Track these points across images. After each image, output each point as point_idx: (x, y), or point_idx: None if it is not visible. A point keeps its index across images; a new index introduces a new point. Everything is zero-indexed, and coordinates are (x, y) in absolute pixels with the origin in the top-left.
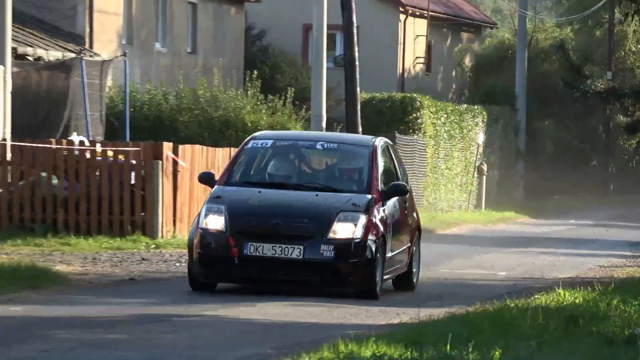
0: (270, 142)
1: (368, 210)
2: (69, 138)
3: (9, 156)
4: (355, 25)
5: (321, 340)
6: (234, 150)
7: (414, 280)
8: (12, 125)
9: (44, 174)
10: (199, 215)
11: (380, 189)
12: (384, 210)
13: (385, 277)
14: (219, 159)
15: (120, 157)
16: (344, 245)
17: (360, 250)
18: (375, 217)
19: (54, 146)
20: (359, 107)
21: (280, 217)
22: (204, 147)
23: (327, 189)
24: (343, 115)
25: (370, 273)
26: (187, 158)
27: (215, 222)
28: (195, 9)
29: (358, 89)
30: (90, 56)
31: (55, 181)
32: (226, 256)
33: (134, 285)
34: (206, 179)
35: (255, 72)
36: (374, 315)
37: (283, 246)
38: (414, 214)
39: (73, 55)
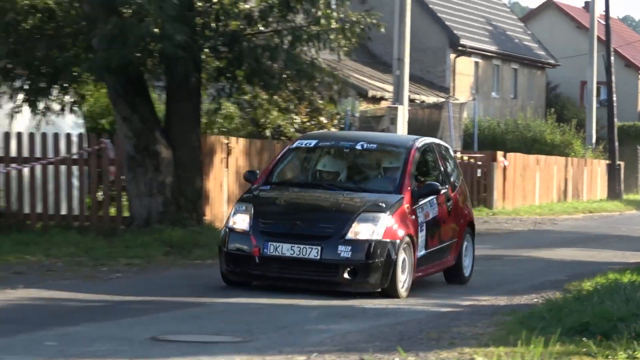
0: (314, 142)
1: (392, 210)
2: None
3: None
4: (613, 82)
5: (595, 271)
6: (539, 156)
7: (465, 273)
8: None
9: None
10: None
11: (411, 189)
12: (414, 210)
13: (419, 274)
14: (529, 161)
15: (472, 160)
16: (362, 246)
17: (380, 250)
18: (401, 217)
19: None
20: (615, 130)
21: (301, 218)
22: (520, 154)
23: (359, 189)
24: (606, 136)
25: (390, 273)
26: (511, 160)
27: (241, 222)
28: (516, 72)
29: (615, 120)
30: (453, 100)
31: None
32: (248, 255)
33: (480, 237)
34: (249, 178)
35: (552, 109)
36: (627, 257)
37: (301, 246)
38: (464, 211)
39: (443, 100)
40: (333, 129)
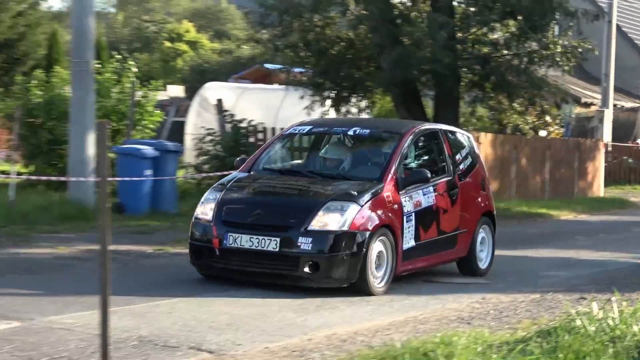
0: (308, 128)
1: (366, 199)
2: (637, 141)
3: (609, 148)
4: None
5: None
6: None
7: (481, 265)
8: (612, 137)
9: (625, 157)
10: None
11: (397, 177)
12: (398, 199)
13: (408, 267)
14: None
15: None
16: (324, 238)
17: (346, 242)
18: (378, 206)
19: (629, 144)
20: None
21: (264, 207)
22: None
23: (341, 176)
24: None
25: (359, 267)
26: None
27: (208, 211)
28: None
29: None
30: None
31: (630, 160)
32: (209, 247)
33: None
34: (238, 164)
35: None
36: None
37: (260, 237)
38: (479, 201)
39: (638, 105)
40: (555, 127)
